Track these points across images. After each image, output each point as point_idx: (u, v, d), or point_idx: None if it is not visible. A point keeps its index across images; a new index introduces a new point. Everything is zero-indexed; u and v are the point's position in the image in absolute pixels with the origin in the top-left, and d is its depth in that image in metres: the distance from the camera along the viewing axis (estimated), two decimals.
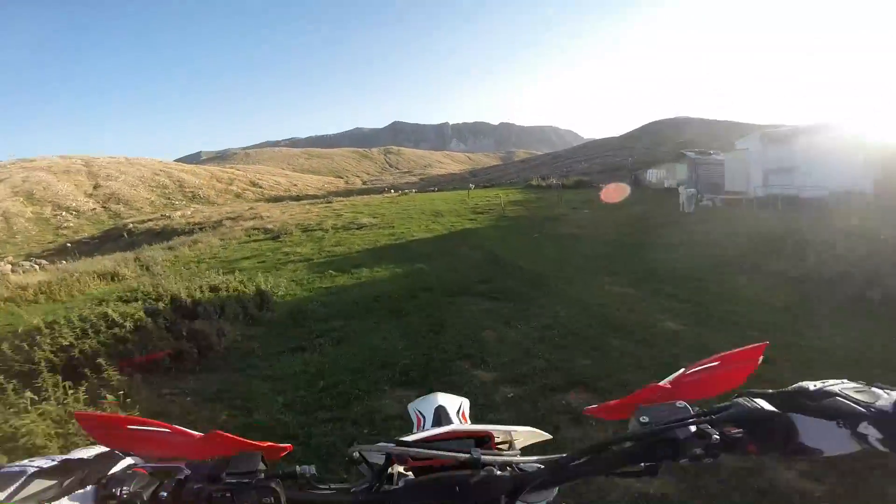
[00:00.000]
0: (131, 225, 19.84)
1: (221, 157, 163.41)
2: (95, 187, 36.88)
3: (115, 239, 17.85)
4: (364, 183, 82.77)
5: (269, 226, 13.85)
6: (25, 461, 0.53)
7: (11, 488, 0.48)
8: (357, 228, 13.42)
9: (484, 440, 0.72)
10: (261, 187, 47.37)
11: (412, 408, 1.20)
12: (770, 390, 0.58)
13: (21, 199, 32.34)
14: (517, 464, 0.61)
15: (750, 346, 0.63)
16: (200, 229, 15.23)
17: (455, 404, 1.15)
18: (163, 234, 14.69)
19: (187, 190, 39.78)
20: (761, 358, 0.62)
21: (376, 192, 53.31)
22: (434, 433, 0.71)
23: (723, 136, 45.25)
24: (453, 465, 0.61)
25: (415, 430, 1.10)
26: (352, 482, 0.63)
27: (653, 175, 24.94)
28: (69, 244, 19.72)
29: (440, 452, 0.60)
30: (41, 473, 0.51)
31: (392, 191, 31.97)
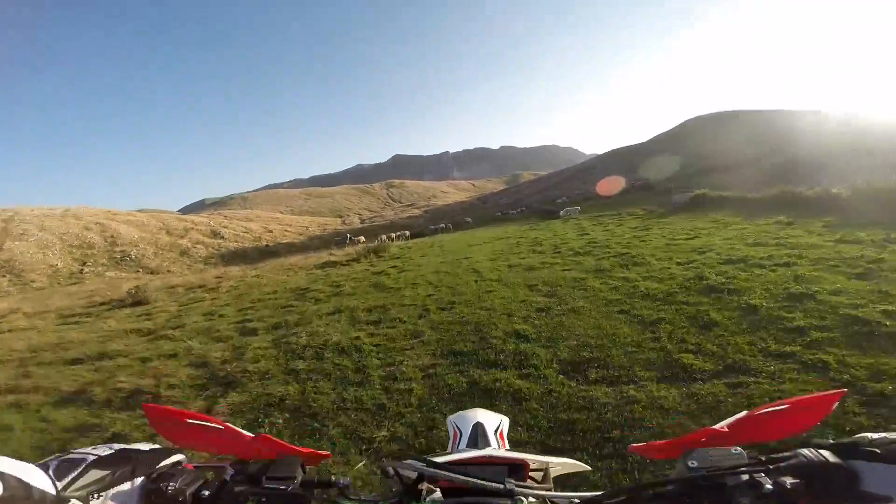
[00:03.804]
0: None
1: (220, 203, 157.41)
2: None
3: None
4: (362, 221, 74.30)
5: None
6: (88, 448, 0.55)
7: (70, 476, 0.50)
8: None
9: (518, 468, 0.71)
10: (222, 237, 38.24)
11: (451, 421, 1.16)
12: (833, 441, 0.56)
13: None
14: (550, 497, 0.60)
15: (827, 391, 0.61)
16: None
17: (494, 422, 1.10)
18: None
19: (118, 249, 30.83)
20: (836, 404, 0.60)
21: (372, 233, 43.67)
22: (468, 456, 0.70)
23: (790, 124, 35.96)
24: (484, 490, 0.60)
25: (450, 444, 1.09)
26: (386, 495, 0.63)
27: None
28: None
29: (471, 479, 0.58)
30: (99, 462, 0.53)
31: (362, 245, 15.60)
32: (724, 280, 5.42)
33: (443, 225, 28.93)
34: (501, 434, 1.07)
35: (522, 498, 0.56)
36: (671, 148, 48.05)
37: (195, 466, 0.62)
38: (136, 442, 0.62)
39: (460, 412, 1.18)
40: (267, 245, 39.13)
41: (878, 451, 0.50)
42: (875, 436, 0.53)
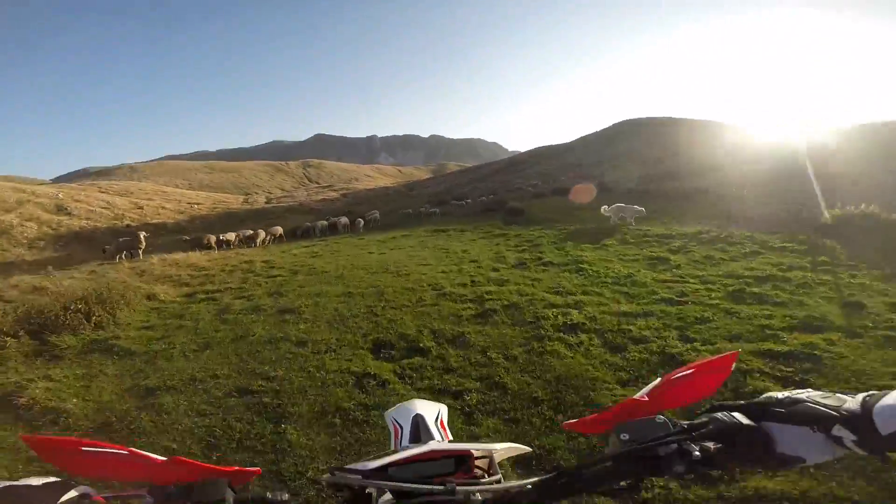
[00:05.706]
0: None
1: (104, 173, 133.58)
2: None
3: None
4: (268, 201, 65.59)
5: None
6: None
7: None
8: None
9: (464, 458, 0.71)
10: (68, 213, 29.38)
11: (389, 417, 1.13)
12: (741, 402, 0.57)
13: None
14: (506, 487, 0.61)
15: (722, 354, 0.64)
16: None
17: (433, 412, 1.09)
18: None
19: None
20: (734, 365, 0.64)
21: (271, 217, 36.31)
22: (411, 454, 0.68)
23: (720, 136, 36.32)
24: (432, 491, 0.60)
25: (392, 441, 1.06)
26: None
27: None
28: None
29: (415, 486, 0.58)
30: None
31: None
32: None
33: (345, 220, 19.78)
34: (442, 423, 1.06)
35: (471, 493, 0.57)
36: (600, 149, 47.18)
37: (107, 498, 0.56)
38: (25, 477, 0.52)
39: (398, 406, 1.15)
40: (128, 226, 30.58)
41: (783, 411, 0.52)
42: (780, 395, 0.54)
